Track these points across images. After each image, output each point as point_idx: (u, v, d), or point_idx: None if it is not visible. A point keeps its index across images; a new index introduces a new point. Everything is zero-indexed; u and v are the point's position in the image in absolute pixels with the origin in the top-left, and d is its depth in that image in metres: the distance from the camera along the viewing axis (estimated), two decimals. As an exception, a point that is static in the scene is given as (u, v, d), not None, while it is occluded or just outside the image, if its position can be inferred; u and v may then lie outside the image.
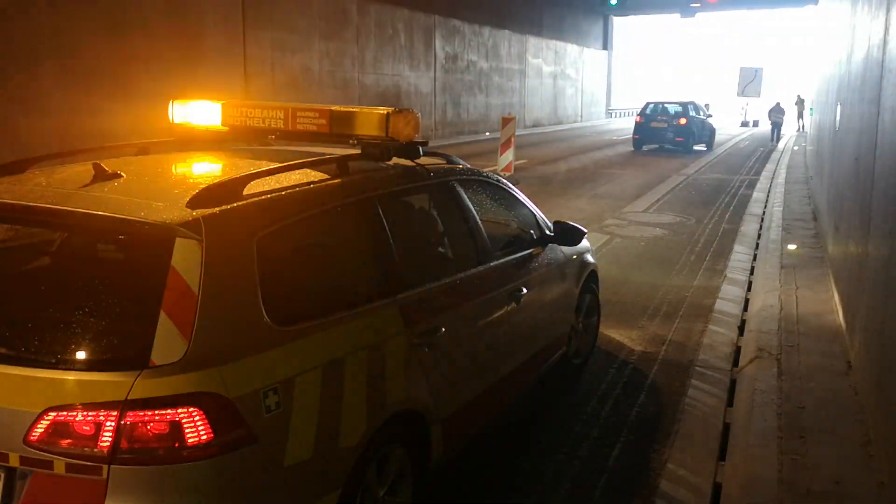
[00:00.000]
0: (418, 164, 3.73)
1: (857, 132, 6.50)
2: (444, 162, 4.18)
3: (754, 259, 9.35)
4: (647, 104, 27.05)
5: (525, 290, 4.21)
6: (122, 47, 14.99)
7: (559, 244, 4.85)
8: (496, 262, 4.05)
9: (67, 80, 13.94)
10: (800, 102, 35.24)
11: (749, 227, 11.48)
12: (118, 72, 14.84)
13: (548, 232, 4.80)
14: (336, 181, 3.15)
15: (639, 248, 9.92)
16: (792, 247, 9.37)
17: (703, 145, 26.48)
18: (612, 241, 10.19)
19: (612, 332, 6.26)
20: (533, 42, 37.26)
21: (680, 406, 4.90)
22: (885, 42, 4.91)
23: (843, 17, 8.91)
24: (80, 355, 2.37)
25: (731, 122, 41.87)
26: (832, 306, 6.69)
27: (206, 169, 3.20)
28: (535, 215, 4.81)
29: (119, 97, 14.60)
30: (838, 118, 8.85)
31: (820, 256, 8.74)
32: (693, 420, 4.72)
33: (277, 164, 3.04)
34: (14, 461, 2.30)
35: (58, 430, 2.26)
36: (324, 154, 3.45)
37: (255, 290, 2.55)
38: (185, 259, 2.41)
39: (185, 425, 2.27)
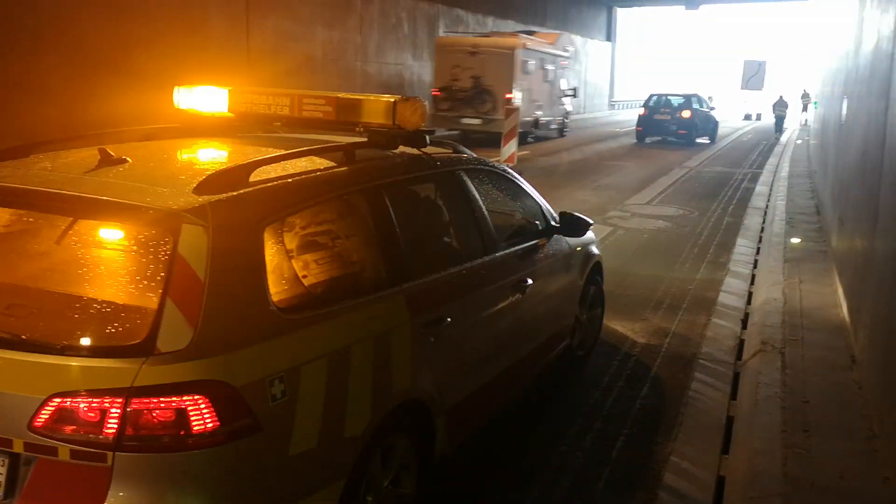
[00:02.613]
0: (425, 153, 3.70)
1: (864, 126, 6.47)
2: (451, 151, 4.15)
3: (757, 252, 9.32)
4: (651, 96, 26.93)
5: (530, 281, 4.19)
6: (125, 33, 14.92)
7: (565, 235, 4.82)
8: (502, 253, 4.03)
9: (69, 65, 13.88)
10: (805, 96, 35.12)
11: (752, 221, 11.45)
12: (120, 58, 14.77)
13: (553, 223, 4.77)
14: (343, 169, 3.13)
15: (642, 240, 9.90)
16: (795, 240, 9.34)
17: (707, 138, 26.39)
18: (616, 233, 10.17)
19: (616, 324, 6.25)
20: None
21: (683, 399, 4.89)
22: (895, 35, 4.87)
23: (850, 10, 8.85)
24: (86, 342, 2.35)
25: (734, 115, 41.73)
26: (836, 300, 6.67)
27: (212, 155, 3.18)
28: (540, 206, 4.78)
29: (121, 83, 14.54)
30: (844, 112, 8.81)
31: (823, 250, 8.72)
32: (697, 413, 4.71)
33: (284, 152, 3.02)
34: (18, 447, 2.29)
35: (63, 416, 2.24)
36: (330, 142, 3.42)
37: (261, 278, 2.53)
38: (192, 246, 2.39)
39: (191, 413, 2.26)
